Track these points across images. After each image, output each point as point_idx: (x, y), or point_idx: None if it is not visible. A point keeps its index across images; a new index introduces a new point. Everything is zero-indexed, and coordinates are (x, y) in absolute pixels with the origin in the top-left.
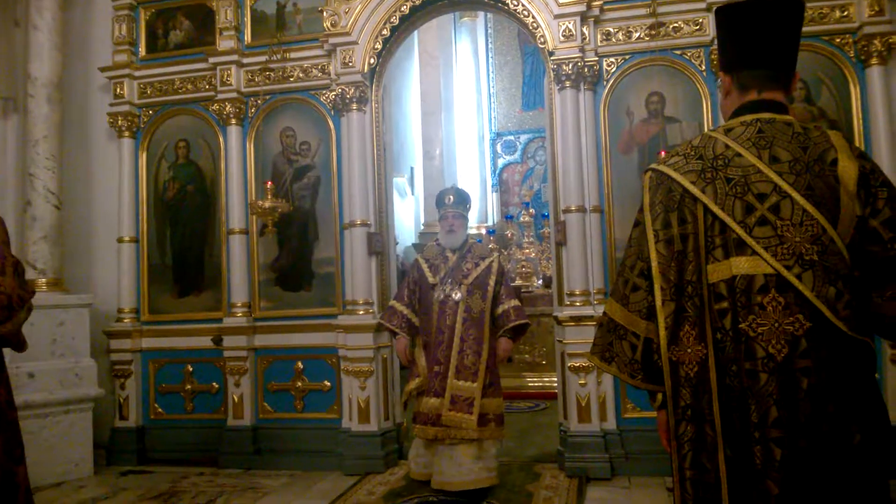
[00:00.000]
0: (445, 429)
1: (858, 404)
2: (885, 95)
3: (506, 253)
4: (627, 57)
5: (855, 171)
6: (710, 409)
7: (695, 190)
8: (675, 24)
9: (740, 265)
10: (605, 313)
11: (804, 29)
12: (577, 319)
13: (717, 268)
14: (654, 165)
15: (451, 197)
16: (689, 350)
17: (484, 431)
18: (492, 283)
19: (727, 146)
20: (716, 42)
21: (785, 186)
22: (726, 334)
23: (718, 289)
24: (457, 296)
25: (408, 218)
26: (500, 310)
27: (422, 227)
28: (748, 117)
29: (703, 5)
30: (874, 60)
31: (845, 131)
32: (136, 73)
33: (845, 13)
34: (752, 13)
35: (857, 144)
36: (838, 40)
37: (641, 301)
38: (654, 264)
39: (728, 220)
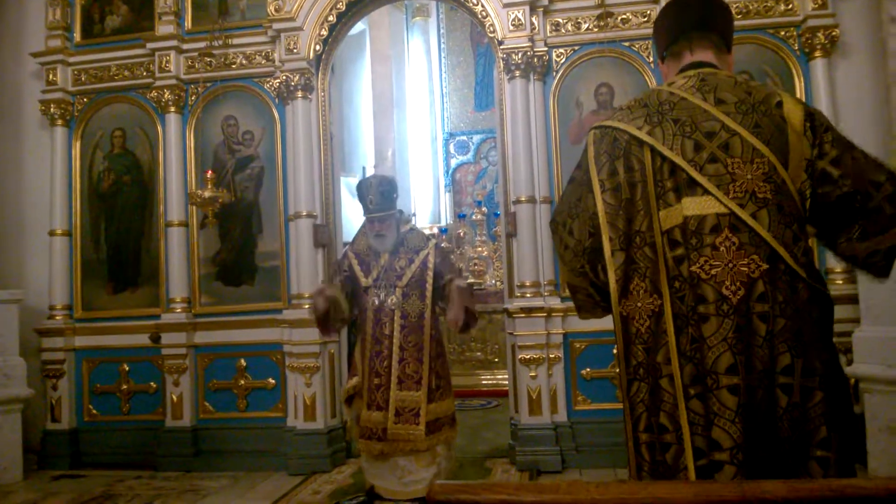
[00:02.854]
0: (392, 443)
1: (821, 360)
2: (828, 87)
3: (449, 245)
4: (577, 48)
5: (800, 111)
6: (667, 363)
7: (641, 134)
8: (624, 16)
9: (691, 206)
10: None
11: (749, 22)
12: (528, 311)
13: (669, 213)
14: (598, 123)
15: (373, 198)
16: (639, 304)
17: (437, 437)
18: (430, 279)
19: (671, 93)
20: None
21: (733, 125)
22: (684, 282)
23: (673, 235)
24: (392, 301)
25: (359, 218)
26: (444, 285)
27: (371, 231)
28: (689, 72)
29: None
30: (818, 53)
31: None
32: (71, 59)
33: (789, 6)
34: (679, 1)
35: None
36: (783, 33)
37: (573, 260)
38: (600, 215)
39: (677, 159)
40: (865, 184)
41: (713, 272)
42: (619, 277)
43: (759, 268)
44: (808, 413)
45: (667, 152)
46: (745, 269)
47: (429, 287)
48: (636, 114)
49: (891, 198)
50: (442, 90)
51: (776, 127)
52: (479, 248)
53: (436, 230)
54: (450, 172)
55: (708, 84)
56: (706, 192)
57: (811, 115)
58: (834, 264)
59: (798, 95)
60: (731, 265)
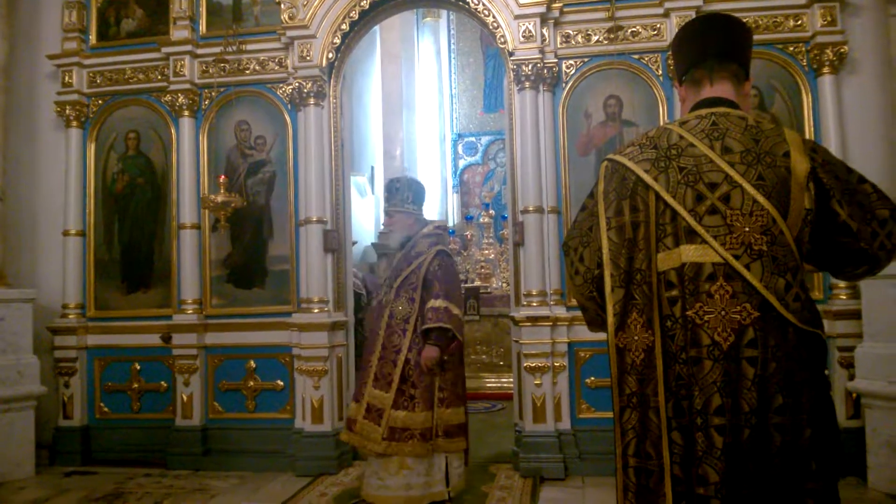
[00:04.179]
0: (358, 436)
1: (809, 398)
2: (835, 104)
3: (455, 246)
4: (586, 60)
5: (806, 164)
6: (655, 395)
7: (647, 178)
8: (634, 29)
9: (689, 253)
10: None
11: (759, 37)
12: (534, 320)
13: (667, 256)
14: (610, 155)
15: (386, 193)
16: (635, 337)
17: (399, 446)
18: (420, 283)
19: (681, 136)
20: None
21: (736, 177)
22: (676, 322)
23: (669, 277)
24: (386, 299)
25: (367, 217)
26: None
27: (381, 227)
28: (703, 111)
29: (660, 10)
30: (826, 69)
31: None
32: (86, 62)
33: (799, 22)
34: (701, 23)
35: None
36: (792, 49)
37: (583, 286)
38: (604, 251)
39: (679, 208)
40: (873, 223)
41: (707, 318)
42: (616, 312)
43: (751, 315)
44: (799, 448)
45: (670, 200)
46: (737, 316)
47: (418, 292)
48: (646, 154)
49: (889, 235)
50: (451, 91)
51: (780, 179)
52: (486, 251)
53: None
54: (458, 173)
55: (719, 129)
56: (704, 241)
57: (815, 170)
58: (837, 281)
59: (805, 111)
60: (723, 313)
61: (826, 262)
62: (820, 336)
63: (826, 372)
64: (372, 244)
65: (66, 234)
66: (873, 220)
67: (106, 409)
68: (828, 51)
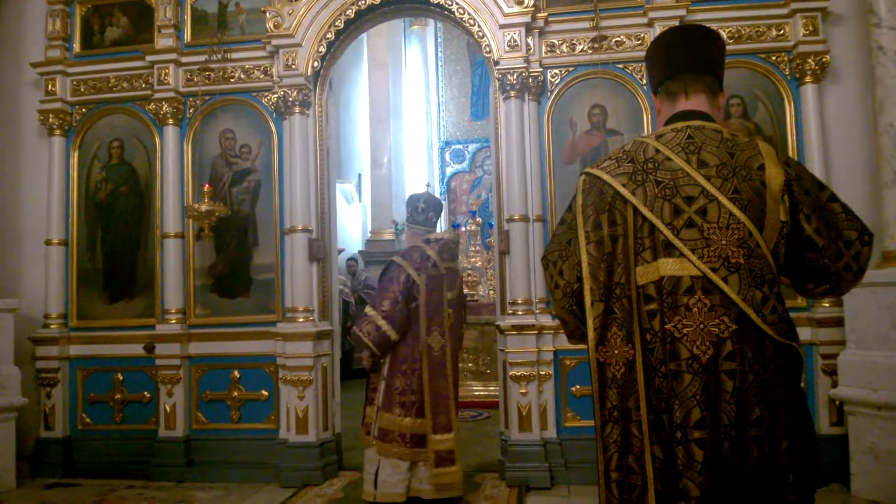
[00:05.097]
0: None
1: (786, 410)
2: (817, 112)
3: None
4: (571, 69)
5: (781, 177)
6: (637, 409)
7: (625, 192)
8: (618, 39)
9: (668, 267)
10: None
11: (742, 46)
12: (519, 328)
13: (646, 269)
14: (587, 169)
15: None
16: (616, 351)
17: (366, 439)
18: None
19: (657, 150)
20: None
21: (712, 190)
22: (655, 335)
23: (647, 290)
24: None
25: (354, 225)
26: None
27: (369, 235)
28: (679, 124)
29: (644, 20)
30: (808, 78)
31: (780, 147)
32: (70, 70)
33: (781, 32)
34: (676, 35)
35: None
36: (774, 58)
37: (563, 299)
38: (584, 266)
39: (656, 221)
40: (839, 243)
41: (685, 331)
42: (597, 326)
43: (729, 328)
44: (777, 460)
45: (647, 214)
46: (716, 329)
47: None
48: (623, 168)
49: (856, 256)
50: (438, 98)
51: (755, 192)
52: (473, 259)
53: None
54: (445, 181)
55: (694, 142)
56: (682, 254)
57: (789, 182)
58: None
59: (788, 120)
60: (702, 326)
61: (791, 276)
62: (796, 349)
63: (802, 385)
64: (359, 252)
65: (48, 243)
66: (839, 240)
67: (88, 420)
68: (810, 60)
